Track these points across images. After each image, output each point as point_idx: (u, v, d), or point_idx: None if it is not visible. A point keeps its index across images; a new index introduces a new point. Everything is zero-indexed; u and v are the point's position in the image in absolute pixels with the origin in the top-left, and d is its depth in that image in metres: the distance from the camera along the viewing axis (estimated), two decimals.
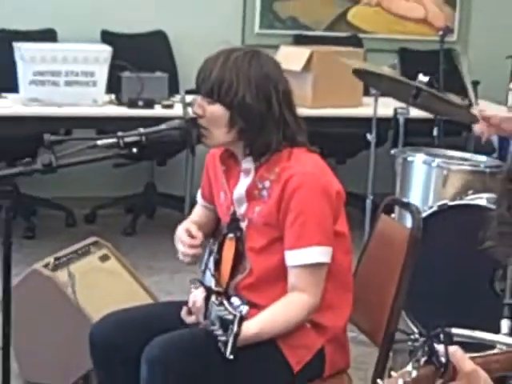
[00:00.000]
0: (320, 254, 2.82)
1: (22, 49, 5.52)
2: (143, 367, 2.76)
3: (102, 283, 4.07)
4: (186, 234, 3.06)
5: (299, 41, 7.04)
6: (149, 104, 5.69)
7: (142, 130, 2.89)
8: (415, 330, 4.34)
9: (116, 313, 3.09)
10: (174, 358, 2.75)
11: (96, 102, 5.63)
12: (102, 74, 5.61)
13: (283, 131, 2.88)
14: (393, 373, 1.99)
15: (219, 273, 2.99)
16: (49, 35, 6.47)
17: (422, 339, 2.08)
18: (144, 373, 2.76)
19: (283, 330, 2.82)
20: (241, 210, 2.95)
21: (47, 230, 6.20)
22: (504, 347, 2.87)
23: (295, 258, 2.83)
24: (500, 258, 2.28)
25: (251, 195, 2.92)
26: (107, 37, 6.57)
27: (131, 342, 2.87)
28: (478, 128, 4.92)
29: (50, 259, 4.02)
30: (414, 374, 1.98)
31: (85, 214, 6.56)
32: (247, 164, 2.93)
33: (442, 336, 2.04)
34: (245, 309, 2.60)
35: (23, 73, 5.50)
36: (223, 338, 2.59)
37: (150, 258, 5.28)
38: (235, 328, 2.57)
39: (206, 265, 3.04)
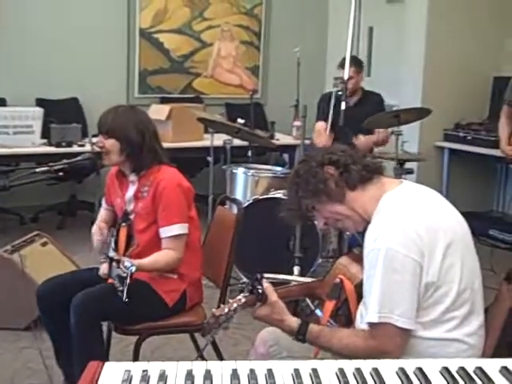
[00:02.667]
0: (180, 228, 2.85)
1: None
2: (71, 313, 2.70)
3: (43, 260, 3.95)
4: (99, 231, 2.98)
5: (163, 101, 6.97)
6: (69, 144, 5.54)
7: (65, 160, 2.85)
8: (242, 277, 4.39)
9: (52, 277, 3.01)
10: (91, 306, 2.72)
11: (34, 144, 5.44)
12: (37, 126, 5.42)
13: (153, 155, 2.90)
14: (230, 299, 2.03)
15: (118, 248, 2.96)
16: (1, 102, 6.27)
17: (248, 281, 2.12)
18: (72, 317, 2.70)
19: (161, 269, 2.86)
20: (130, 206, 2.94)
21: (7, 228, 5.96)
22: (295, 283, 2.94)
23: (165, 232, 2.84)
24: (289, 222, 2.34)
25: (137, 196, 2.92)
26: (40, 102, 6.37)
27: (63, 295, 2.79)
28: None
29: (8, 247, 3.89)
30: (243, 300, 2.02)
31: (31, 216, 6.33)
32: (132, 177, 2.94)
33: (259, 278, 2.09)
34: (134, 268, 2.58)
35: None
36: (120, 288, 2.58)
37: (74, 242, 5.14)
38: (128, 281, 2.55)
39: (109, 244, 3.00)
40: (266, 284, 2.11)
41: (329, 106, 5.14)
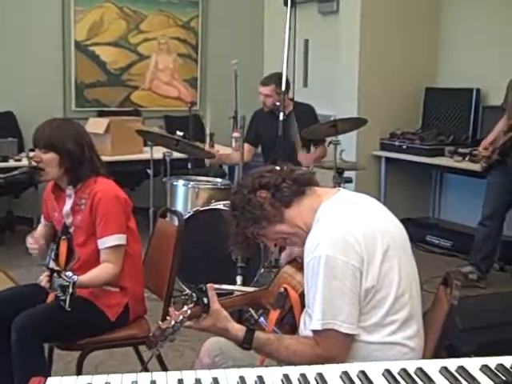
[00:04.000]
0: (117, 239, 2.82)
1: None
2: (12, 336, 2.64)
3: None
4: (33, 240, 2.96)
5: (101, 114, 6.90)
6: (4, 159, 5.45)
7: (1, 175, 2.80)
8: (185, 288, 4.38)
9: None
10: (32, 328, 2.66)
11: None
12: None
13: (92, 167, 2.87)
14: (176, 311, 2.02)
15: (58, 261, 2.91)
16: None
17: (191, 292, 2.11)
18: (13, 340, 2.64)
19: (101, 283, 2.82)
20: (69, 220, 2.91)
21: None
22: (239, 292, 2.94)
23: (103, 243, 2.82)
24: (237, 255, 2.36)
25: (74, 210, 2.89)
26: None
27: (3, 313, 2.74)
28: (208, 162, 5.07)
29: None
30: (189, 311, 2.01)
31: None
32: (69, 191, 2.91)
33: (204, 289, 2.09)
34: (76, 278, 2.54)
35: None
36: (63, 298, 2.53)
37: (12, 258, 5.05)
38: (70, 290, 2.50)
39: (50, 257, 2.95)
40: (211, 292, 2.10)
41: (256, 125, 5.22)
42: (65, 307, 2.52)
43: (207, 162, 5.08)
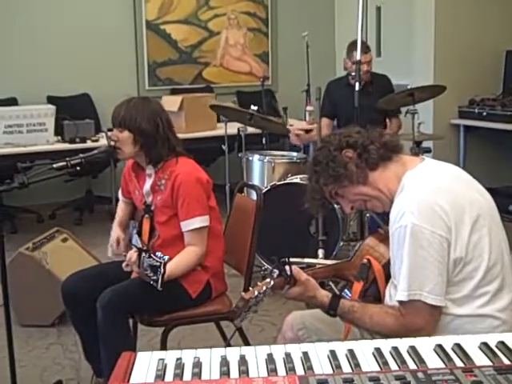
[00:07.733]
0: (201, 221, 2.83)
1: None
2: (98, 311, 2.69)
3: (64, 256, 3.96)
4: (116, 242, 3.02)
5: (174, 92, 6.97)
6: (83, 140, 5.55)
7: (81, 154, 2.84)
8: (264, 263, 4.37)
9: (76, 272, 3.00)
10: (118, 303, 2.70)
11: (48, 142, 5.45)
12: (50, 124, 5.43)
13: (168, 146, 2.87)
14: (259, 282, 2.01)
15: (141, 239, 2.95)
16: (12, 101, 6.28)
17: (274, 264, 2.09)
18: (100, 315, 2.69)
19: (185, 270, 2.82)
20: (149, 199, 2.93)
21: (25, 226, 5.98)
22: (320, 265, 2.91)
23: (186, 226, 2.82)
24: (313, 213, 2.32)
25: (154, 189, 2.90)
26: (51, 99, 6.39)
27: (88, 290, 2.80)
28: (293, 140, 4.98)
29: (29, 244, 3.91)
30: (272, 282, 2.00)
31: (48, 214, 6.34)
32: (149, 170, 2.92)
33: (286, 261, 2.07)
34: (167, 257, 2.55)
35: None
36: (154, 278, 2.54)
37: (93, 237, 5.16)
38: (162, 270, 2.53)
39: (133, 234, 2.99)
40: (293, 267, 2.09)
41: (332, 96, 5.12)
42: (156, 287, 2.53)
43: (294, 140, 4.97)
